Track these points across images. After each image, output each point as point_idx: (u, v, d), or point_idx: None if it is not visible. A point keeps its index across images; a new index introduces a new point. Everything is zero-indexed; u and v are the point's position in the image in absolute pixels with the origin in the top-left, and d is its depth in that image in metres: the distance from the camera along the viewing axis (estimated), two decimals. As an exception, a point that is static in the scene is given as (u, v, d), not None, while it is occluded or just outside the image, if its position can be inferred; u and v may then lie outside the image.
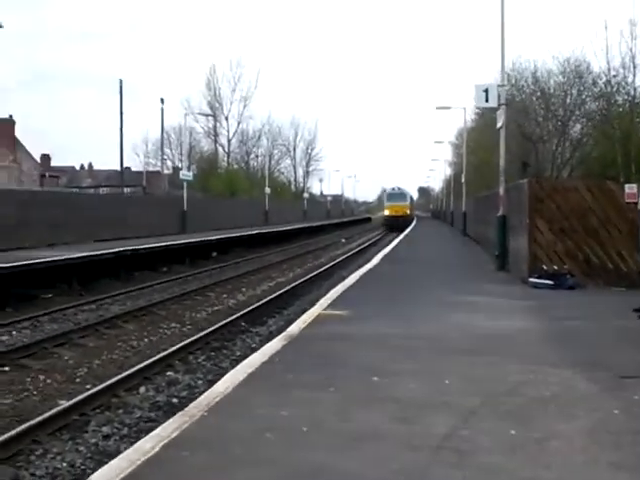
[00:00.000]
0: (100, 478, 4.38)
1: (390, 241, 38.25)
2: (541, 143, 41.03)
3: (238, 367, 7.46)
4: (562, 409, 6.12)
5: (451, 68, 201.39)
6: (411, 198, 79.14)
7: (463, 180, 46.85)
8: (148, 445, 4.94)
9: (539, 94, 40.84)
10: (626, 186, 15.95)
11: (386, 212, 73.58)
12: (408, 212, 71.66)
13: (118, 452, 5.69)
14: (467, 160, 51.11)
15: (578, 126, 40.87)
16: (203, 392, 7.05)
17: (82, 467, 6.88)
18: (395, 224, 65.62)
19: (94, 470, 4.90)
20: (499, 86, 19.70)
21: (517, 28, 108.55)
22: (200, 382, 10.13)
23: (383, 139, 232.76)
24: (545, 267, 15.95)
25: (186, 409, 5.85)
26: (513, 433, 5.40)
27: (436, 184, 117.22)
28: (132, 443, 5.79)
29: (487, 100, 19.52)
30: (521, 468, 4.72)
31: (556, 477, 4.61)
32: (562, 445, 5.17)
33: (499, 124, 20.19)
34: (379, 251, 29.08)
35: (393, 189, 74.55)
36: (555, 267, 15.95)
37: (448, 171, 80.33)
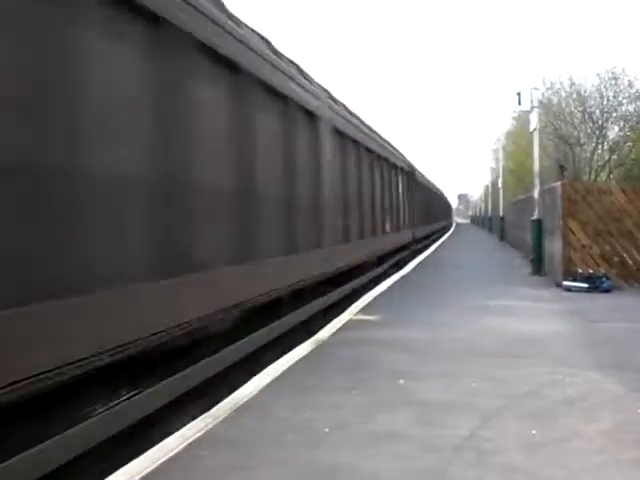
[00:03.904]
0: (122, 475, 4.51)
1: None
2: (578, 146, 40.59)
3: (263, 372, 7.55)
4: (586, 410, 6.12)
5: (490, 74, 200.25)
6: None
7: (500, 184, 46.55)
8: (173, 444, 5.07)
9: (575, 96, 40.45)
10: (661, 188, 15.79)
11: None
12: None
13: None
14: (505, 164, 50.79)
15: (615, 128, 40.42)
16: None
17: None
18: None
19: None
20: (531, 89, 19.62)
21: (553, 36, 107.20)
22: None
23: (423, 147, 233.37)
24: (580, 270, 15.83)
25: (211, 410, 5.97)
26: (534, 433, 5.43)
27: (475, 191, 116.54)
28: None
29: (520, 103, 19.48)
30: (539, 467, 4.75)
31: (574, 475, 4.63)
32: (582, 445, 5.19)
33: (532, 127, 20.11)
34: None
35: None
36: (590, 270, 15.83)
37: (487, 177, 79.76)
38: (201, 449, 5.07)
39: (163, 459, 4.84)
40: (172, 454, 4.94)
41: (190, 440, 5.23)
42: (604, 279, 15.40)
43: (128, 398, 5.66)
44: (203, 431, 5.45)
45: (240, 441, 5.28)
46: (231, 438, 5.35)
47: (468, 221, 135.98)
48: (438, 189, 61.81)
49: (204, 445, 5.16)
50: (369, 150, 17.82)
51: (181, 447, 5.08)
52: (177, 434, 5.35)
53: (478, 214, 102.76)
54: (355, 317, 11.53)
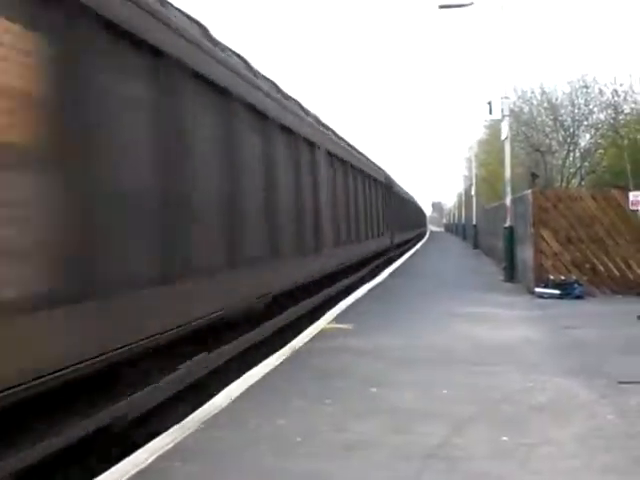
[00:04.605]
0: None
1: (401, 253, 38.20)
2: (550, 154, 40.97)
3: (235, 382, 7.51)
4: (557, 416, 6.15)
5: (462, 83, 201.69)
6: None
7: (473, 192, 46.84)
8: (142, 456, 5.02)
9: (546, 105, 40.83)
10: (630, 194, 15.93)
11: None
12: None
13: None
14: (478, 173, 51.14)
15: (587, 136, 40.83)
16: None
17: None
18: None
19: None
20: (502, 98, 19.77)
21: (524, 45, 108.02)
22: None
23: (396, 154, 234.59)
24: (552, 277, 15.94)
25: (182, 422, 5.92)
26: (505, 440, 5.44)
27: (449, 200, 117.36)
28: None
29: (491, 112, 19.64)
30: (510, 474, 4.76)
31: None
32: (553, 451, 5.21)
33: (503, 136, 20.27)
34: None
35: None
36: (562, 277, 15.94)
37: (461, 185, 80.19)
38: (172, 461, 5.03)
39: (133, 472, 4.79)
40: (142, 467, 4.89)
41: (160, 452, 5.18)
42: (576, 286, 15.51)
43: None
44: (173, 443, 5.40)
45: (212, 452, 5.24)
46: (203, 449, 5.31)
47: (442, 229, 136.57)
48: (395, 184, 39.12)
49: (175, 457, 5.11)
50: None
51: (151, 460, 5.03)
52: (147, 446, 5.30)
53: (452, 222, 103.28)
54: (329, 325, 11.52)
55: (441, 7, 21.13)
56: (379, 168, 32.31)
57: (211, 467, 4.94)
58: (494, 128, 39.30)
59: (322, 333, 10.79)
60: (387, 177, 33.85)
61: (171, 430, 5.70)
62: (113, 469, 4.86)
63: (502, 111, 19.56)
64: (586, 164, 41.03)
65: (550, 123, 41.16)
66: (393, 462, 5.00)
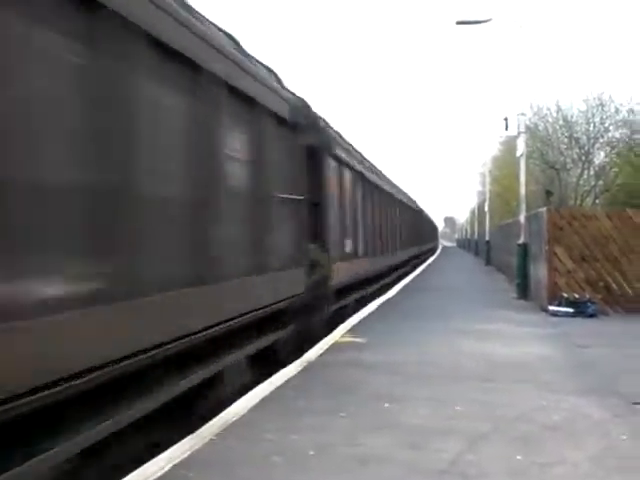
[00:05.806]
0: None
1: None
2: (565, 171, 40.90)
3: (251, 393, 7.54)
4: (571, 435, 6.15)
5: (477, 99, 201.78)
6: None
7: (486, 208, 46.78)
8: (158, 465, 5.05)
9: (562, 122, 40.80)
10: (645, 213, 15.93)
11: None
12: None
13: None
14: (492, 188, 51.05)
15: (602, 154, 40.77)
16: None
17: None
18: None
19: None
20: (518, 115, 19.80)
21: (541, 62, 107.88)
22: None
23: (410, 167, 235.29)
24: (565, 295, 15.89)
25: (198, 431, 5.96)
26: (519, 458, 5.44)
27: (462, 215, 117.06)
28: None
29: (507, 128, 19.67)
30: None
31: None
32: (568, 470, 5.21)
33: (519, 152, 20.28)
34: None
35: None
36: (575, 295, 15.89)
37: (474, 201, 79.91)
38: (187, 470, 5.06)
39: (149, 480, 4.82)
40: (157, 475, 4.92)
41: (176, 461, 5.21)
42: (589, 304, 15.47)
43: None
44: (189, 452, 5.43)
45: (226, 463, 5.27)
46: (218, 460, 5.34)
47: (454, 244, 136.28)
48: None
49: (190, 466, 5.14)
50: None
51: (166, 469, 5.06)
52: (163, 455, 5.33)
53: (464, 237, 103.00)
54: (342, 339, 11.54)
55: (458, 23, 21.20)
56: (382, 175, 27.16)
57: (225, 478, 4.96)
58: (509, 144, 39.25)
59: (335, 346, 10.82)
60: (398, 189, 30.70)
61: (187, 438, 5.73)
62: (129, 476, 4.89)
63: (518, 127, 19.60)
64: (600, 182, 40.94)
65: (565, 140, 41.12)
66: (407, 477, 5.01)
